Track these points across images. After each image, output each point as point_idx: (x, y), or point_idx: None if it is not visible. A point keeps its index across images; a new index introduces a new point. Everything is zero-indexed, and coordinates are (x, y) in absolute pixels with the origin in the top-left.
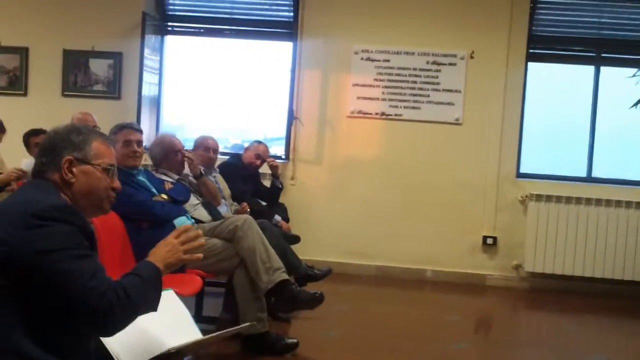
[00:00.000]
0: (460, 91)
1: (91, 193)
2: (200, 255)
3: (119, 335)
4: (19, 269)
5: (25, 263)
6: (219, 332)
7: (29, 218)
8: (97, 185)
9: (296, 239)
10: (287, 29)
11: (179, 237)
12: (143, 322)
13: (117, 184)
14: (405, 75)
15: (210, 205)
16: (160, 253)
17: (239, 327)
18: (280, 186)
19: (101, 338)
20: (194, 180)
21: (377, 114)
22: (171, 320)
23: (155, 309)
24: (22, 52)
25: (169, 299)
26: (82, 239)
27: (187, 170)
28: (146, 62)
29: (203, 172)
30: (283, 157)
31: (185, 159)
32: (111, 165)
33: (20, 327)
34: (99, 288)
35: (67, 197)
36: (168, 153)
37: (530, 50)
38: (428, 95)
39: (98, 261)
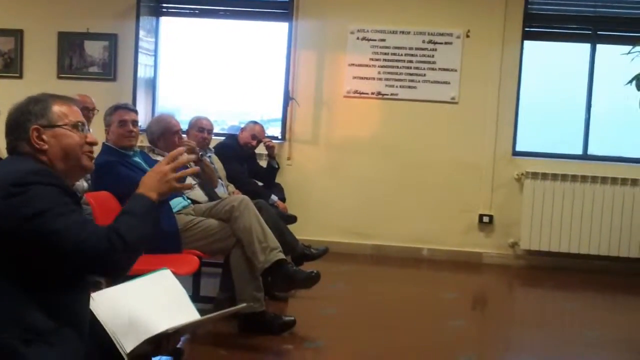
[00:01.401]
0: (456, 70)
1: (67, 154)
2: (192, 183)
3: (116, 315)
4: (10, 239)
5: (15, 232)
6: (216, 313)
7: (8, 187)
8: (71, 144)
9: (293, 219)
10: (283, 9)
11: (169, 163)
12: (140, 303)
13: (91, 137)
14: (401, 55)
15: (207, 185)
16: (152, 183)
17: (236, 307)
18: (276, 166)
19: (98, 319)
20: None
21: (373, 93)
22: (169, 300)
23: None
24: (17, 35)
25: (166, 278)
26: (64, 197)
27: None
28: (141, 43)
29: (201, 156)
30: (279, 137)
31: (184, 145)
32: (78, 122)
33: (19, 297)
34: (92, 238)
35: (45, 165)
36: (165, 132)
37: (526, 29)
38: (424, 75)
39: (84, 215)
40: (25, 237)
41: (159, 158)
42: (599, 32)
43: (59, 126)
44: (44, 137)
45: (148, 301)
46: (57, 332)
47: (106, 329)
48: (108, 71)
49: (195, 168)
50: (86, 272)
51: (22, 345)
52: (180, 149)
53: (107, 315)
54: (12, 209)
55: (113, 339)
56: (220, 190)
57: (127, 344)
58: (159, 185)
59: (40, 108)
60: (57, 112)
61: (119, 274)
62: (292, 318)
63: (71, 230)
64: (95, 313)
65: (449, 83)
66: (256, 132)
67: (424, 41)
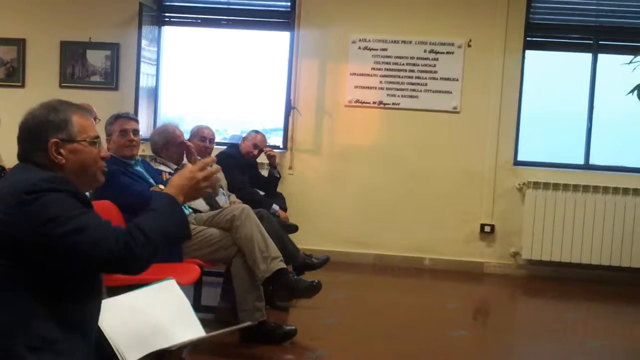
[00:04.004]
0: (457, 79)
1: (84, 169)
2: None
3: (120, 326)
4: (23, 248)
5: (28, 240)
6: (220, 331)
7: (20, 195)
8: (88, 160)
9: (294, 228)
10: (284, 19)
11: (202, 170)
12: (145, 314)
13: (104, 152)
14: (403, 64)
15: (208, 195)
16: (181, 184)
17: (238, 326)
18: (278, 176)
19: (102, 330)
20: None
21: (374, 103)
22: (173, 313)
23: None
24: (19, 44)
25: (171, 289)
26: (76, 201)
27: (185, 161)
28: (143, 53)
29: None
30: (281, 147)
31: (186, 148)
32: (96, 137)
33: (29, 305)
34: (109, 235)
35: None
36: (168, 142)
37: (528, 38)
38: (426, 84)
39: (99, 217)
40: (42, 243)
41: (162, 167)
42: (600, 42)
43: (77, 141)
44: (62, 151)
45: (152, 313)
46: (64, 341)
47: (109, 340)
48: (110, 80)
49: (217, 167)
50: (106, 271)
51: (29, 353)
52: (213, 157)
53: (111, 326)
54: (27, 216)
55: (116, 350)
56: (222, 200)
57: (130, 356)
58: (189, 188)
59: (60, 120)
60: (77, 126)
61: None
62: (293, 328)
63: (87, 231)
64: (98, 323)
65: (451, 92)
66: (258, 142)
67: (425, 51)
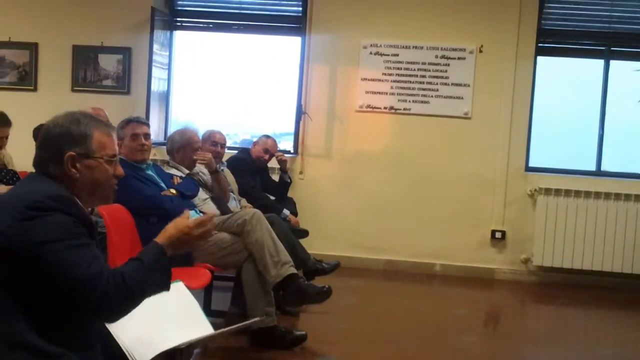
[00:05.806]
0: (469, 85)
1: (96, 186)
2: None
3: (129, 328)
4: (19, 260)
5: (23, 254)
6: (228, 328)
7: (24, 210)
8: (102, 178)
9: (305, 233)
10: (296, 24)
11: (198, 227)
12: (153, 315)
13: (119, 171)
14: (414, 70)
15: (219, 199)
16: (173, 237)
17: (248, 321)
18: (288, 180)
19: (112, 332)
20: (204, 176)
21: (385, 108)
22: (182, 313)
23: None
24: (32, 48)
25: (178, 291)
26: (79, 228)
27: (196, 168)
28: (155, 57)
29: (218, 168)
30: (292, 151)
31: (201, 158)
32: (113, 155)
33: (24, 318)
34: (94, 277)
35: (70, 190)
36: (186, 146)
37: (540, 44)
38: (437, 90)
39: (95, 250)
40: (32, 262)
41: (173, 171)
42: (612, 49)
43: (94, 158)
44: (77, 165)
45: (161, 314)
46: (63, 355)
47: (119, 342)
48: (122, 84)
49: (213, 224)
50: (79, 310)
51: None
52: (213, 216)
53: (120, 328)
54: (25, 231)
55: (126, 352)
56: (232, 204)
57: (141, 358)
58: (179, 242)
59: (80, 133)
60: (96, 142)
61: (111, 318)
62: (304, 333)
63: (77, 265)
64: (108, 326)
65: (462, 98)
66: (268, 146)
67: (436, 56)
